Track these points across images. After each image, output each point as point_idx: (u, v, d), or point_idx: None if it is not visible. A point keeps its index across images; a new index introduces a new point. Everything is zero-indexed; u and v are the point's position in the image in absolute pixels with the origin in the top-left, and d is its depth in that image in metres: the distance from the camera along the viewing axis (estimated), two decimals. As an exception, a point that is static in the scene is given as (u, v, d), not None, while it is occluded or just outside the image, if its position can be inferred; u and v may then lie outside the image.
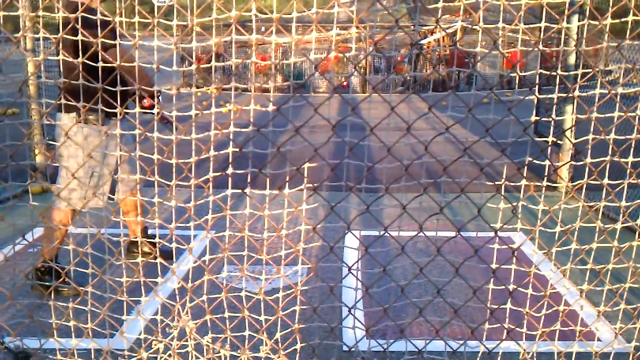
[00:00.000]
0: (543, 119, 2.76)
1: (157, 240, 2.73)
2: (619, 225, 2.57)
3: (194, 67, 2.37)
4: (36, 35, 3.41)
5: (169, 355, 2.62)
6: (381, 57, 15.78)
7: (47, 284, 3.54)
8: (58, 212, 3.69)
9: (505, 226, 2.33)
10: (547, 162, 2.41)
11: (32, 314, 2.36)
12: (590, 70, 2.27)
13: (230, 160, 2.20)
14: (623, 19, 2.30)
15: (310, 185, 2.20)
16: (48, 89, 6.63)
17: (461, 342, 2.50)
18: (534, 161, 2.29)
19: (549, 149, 2.45)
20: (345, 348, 2.95)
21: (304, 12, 2.17)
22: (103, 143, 3.62)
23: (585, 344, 2.74)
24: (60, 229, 3.63)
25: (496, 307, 2.42)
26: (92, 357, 2.67)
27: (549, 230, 2.52)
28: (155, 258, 2.33)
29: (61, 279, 2.49)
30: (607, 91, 2.21)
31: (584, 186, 2.46)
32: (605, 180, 2.41)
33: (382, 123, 2.17)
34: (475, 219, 2.19)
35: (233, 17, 2.02)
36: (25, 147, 2.90)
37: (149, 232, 4.32)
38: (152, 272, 2.56)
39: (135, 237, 4.18)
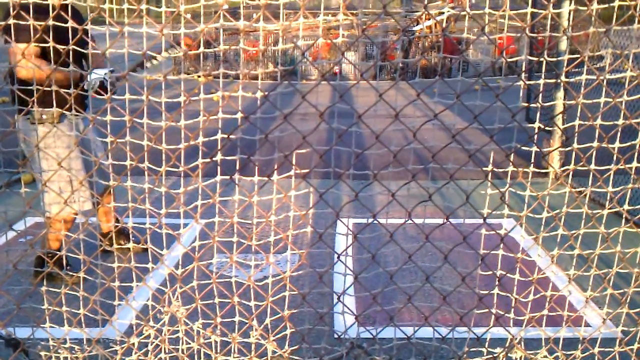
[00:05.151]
0: (534, 105, 2.76)
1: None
2: (606, 211, 2.59)
3: (181, 53, 2.36)
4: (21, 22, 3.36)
5: (160, 341, 2.63)
6: (373, 44, 15.74)
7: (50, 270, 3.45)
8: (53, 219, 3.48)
9: (494, 212, 2.34)
10: (534, 148, 2.42)
11: (20, 303, 2.36)
12: (579, 56, 2.28)
13: (219, 147, 2.19)
14: (610, 4, 2.31)
15: (299, 172, 2.20)
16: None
17: (450, 328, 2.51)
18: (523, 147, 2.30)
19: (536, 135, 2.45)
20: (335, 334, 2.97)
21: (293, -3, 2.16)
22: (64, 144, 3.35)
23: (573, 329, 2.76)
24: (63, 225, 3.47)
25: (485, 293, 2.44)
26: (84, 344, 2.67)
27: (537, 216, 2.54)
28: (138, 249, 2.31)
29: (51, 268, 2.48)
30: (595, 77, 2.22)
31: (572, 172, 2.47)
32: (593, 166, 2.42)
33: (371, 110, 2.16)
34: (464, 205, 2.20)
35: (220, 4, 2.01)
36: (14, 136, 2.86)
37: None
38: (143, 259, 2.56)
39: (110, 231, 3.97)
